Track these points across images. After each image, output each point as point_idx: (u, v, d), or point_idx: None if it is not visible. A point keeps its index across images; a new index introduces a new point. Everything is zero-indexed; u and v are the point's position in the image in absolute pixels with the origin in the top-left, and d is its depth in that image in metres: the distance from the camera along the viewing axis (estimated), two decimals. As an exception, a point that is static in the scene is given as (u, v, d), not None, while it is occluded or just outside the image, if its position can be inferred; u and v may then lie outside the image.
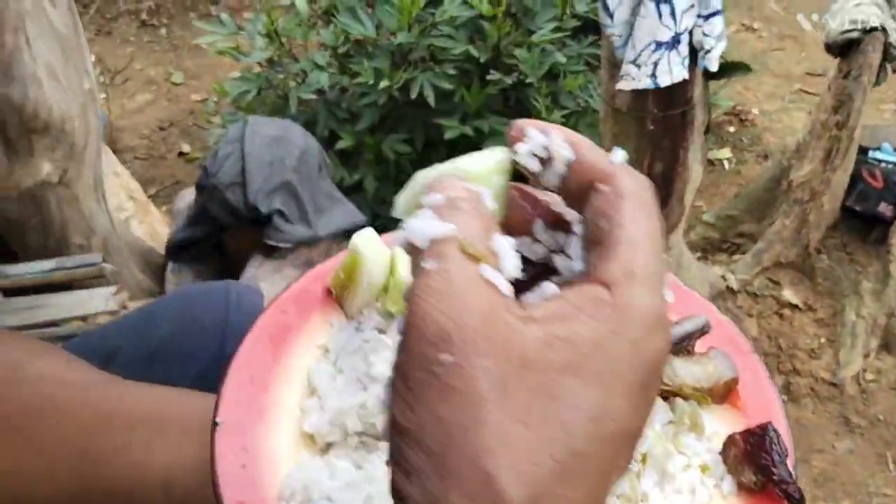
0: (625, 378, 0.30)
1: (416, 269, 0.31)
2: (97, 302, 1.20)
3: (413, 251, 0.32)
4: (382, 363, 0.53)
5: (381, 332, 0.56)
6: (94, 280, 1.26)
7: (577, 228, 0.37)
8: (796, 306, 2.15)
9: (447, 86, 2.08)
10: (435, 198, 0.32)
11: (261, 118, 1.62)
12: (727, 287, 2.09)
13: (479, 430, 0.28)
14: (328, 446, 0.52)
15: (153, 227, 2.19)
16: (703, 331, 0.54)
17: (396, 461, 0.30)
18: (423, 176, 0.38)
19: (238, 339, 0.62)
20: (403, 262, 0.56)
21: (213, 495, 0.46)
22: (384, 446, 0.49)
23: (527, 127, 0.37)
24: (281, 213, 1.46)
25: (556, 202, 0.39)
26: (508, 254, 0.33)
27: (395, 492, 0.30)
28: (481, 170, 0.37)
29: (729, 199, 2.48)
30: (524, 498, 0.28)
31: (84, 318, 1.19)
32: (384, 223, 2.28)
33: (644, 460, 0.48)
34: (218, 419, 0.49)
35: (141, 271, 1.62)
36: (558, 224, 0.39)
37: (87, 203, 1.44)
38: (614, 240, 0.32)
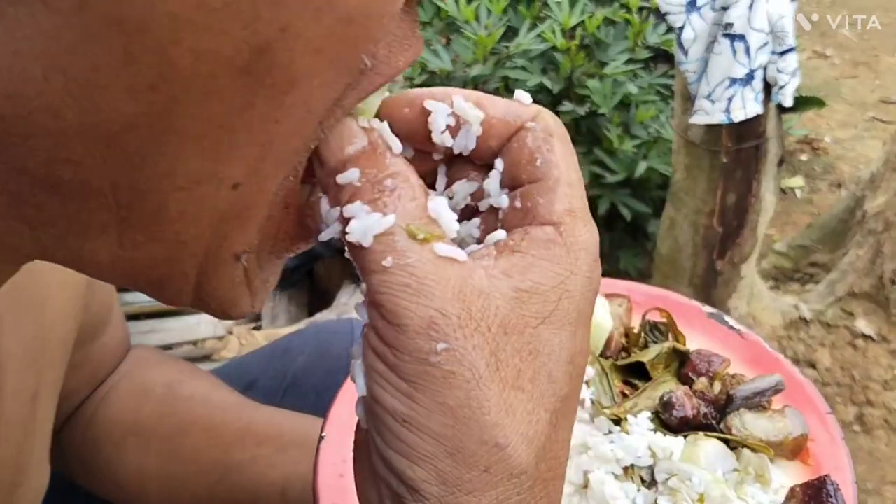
0: (584, 312, 0.32)
1: (370, 266, 0.30)
2: (205, 328, 1.29)
3: (359, 251, 0.31)
4: None
5: None
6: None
7: (498, 164, 0.35)
8: (870, 337, 2.13)
9: (521, 116, 2.14)
10: (352, 174, 0.31)
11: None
12: (800, 317, 2.09)
13: (483, 406, 0.29)
14: None
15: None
16: (776, 389, 0.58)
17: (400, 451, 0.30)
18: None
19: None
20: None
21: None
22: None
23: (424, 100, 0.34)
24: (372, 246, 1.53)
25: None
26: (446, 214, 0.32)
27: (404, 481, 0.30)
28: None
29: (801, 228, 2.47)
30: (532, 456, 0.29)
31: (194, 343, 1.28)
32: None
33: (702, 501, 0.51)
34: (323, 434, 0.56)
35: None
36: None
37: (198, 235, 1.53)
38: (553, 179, 0.33)
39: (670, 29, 2.23)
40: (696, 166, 1.76)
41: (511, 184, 0.34)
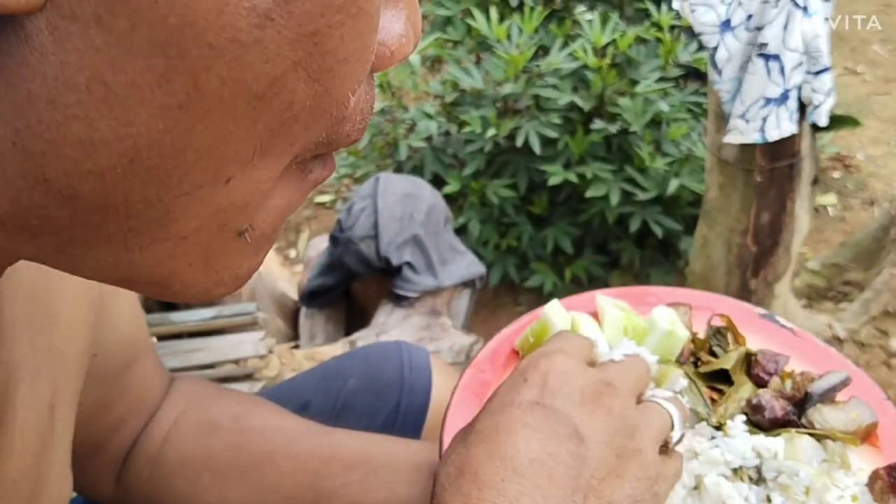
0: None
1: None
2: (248, 346, 1.30)
3: None
4: None
5: None
6: (243, 326, 1.37)
7: None
8: (905, 356, 2.11)
9: (552, 134, 2.15)
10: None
11: (391, 175, 1.73)
12: (833, 336, 2.08)
13: None
14: None
15: (268, 267, 2.32)
16: (844, 383, 0.63)
17: None
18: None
19: (412, 394, 0.72)
20: (582, 326, 0.66)
21: None
22: None
23: None
24: (410, 265, 1.55)
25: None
26: None
27: None
28: None
29: (834, 246, 2.45)
30: None
31: (237, 362, 1.30)
32: (487, 264, 2.35)
33: (807, 493, 0.57)
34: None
35: (277, 316, 1.74)
36: None
37: (240, 254, 1.56)
38: None
39: (701, 47, 2.23)
40: (730, 185, 1.75)
41: None
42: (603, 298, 0.70)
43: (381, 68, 0.31)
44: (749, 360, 0.66)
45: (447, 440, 0.59)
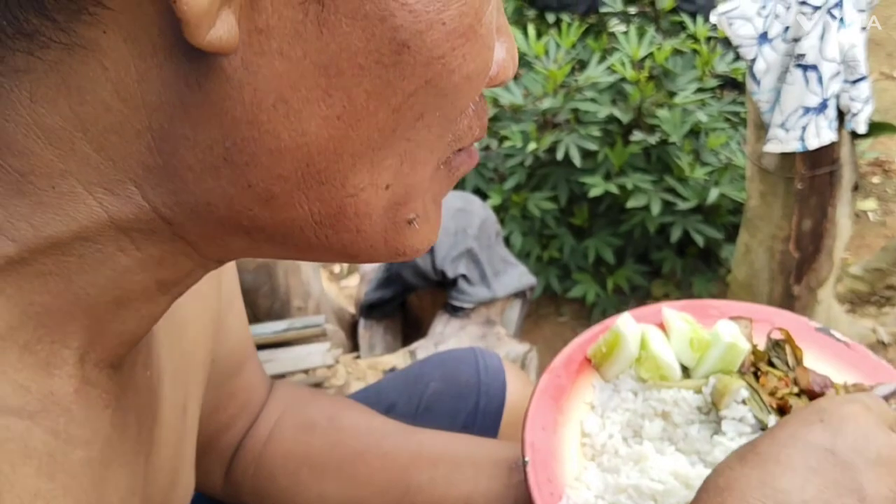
0: None
1: None
2: (315, 357, 1.36)
3: None
4: (650, 426, 0.67)
5: (635, 393, 0.69)
6: (310, 338, 1.44)
7: None
8: (951, 359, 2.12)
9: (591, 146, 2.19)
10: None
11: (443, 191, 1.79)
12: (878, 340, 2.09)
13: None
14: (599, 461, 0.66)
15: (323, 284, 2.38)
16: (895, 393, 0.66)
17: None
18: None
19: (489, 396, 0.77)
20: (651, 337, 0.70)
21: None
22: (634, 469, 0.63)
23: None
24: (465, 277, 1.61)
25: None
26: None
27: None
28: None
29: (875, 250, 2.46)
30: None
31: (306, 371, 1.36)
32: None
33: None
34: (526, 458, 0.63)
35: (338, 327, 1.81)
36: None
37: (306, 271, 1.64)
38: None
39: (738, 57, 2.26)
40: (771, 193, 1.78)
41: None
42: (669, 311, 0.74)
43: (488, 87, 0.37)
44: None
45: (529, 439, 0.65)
